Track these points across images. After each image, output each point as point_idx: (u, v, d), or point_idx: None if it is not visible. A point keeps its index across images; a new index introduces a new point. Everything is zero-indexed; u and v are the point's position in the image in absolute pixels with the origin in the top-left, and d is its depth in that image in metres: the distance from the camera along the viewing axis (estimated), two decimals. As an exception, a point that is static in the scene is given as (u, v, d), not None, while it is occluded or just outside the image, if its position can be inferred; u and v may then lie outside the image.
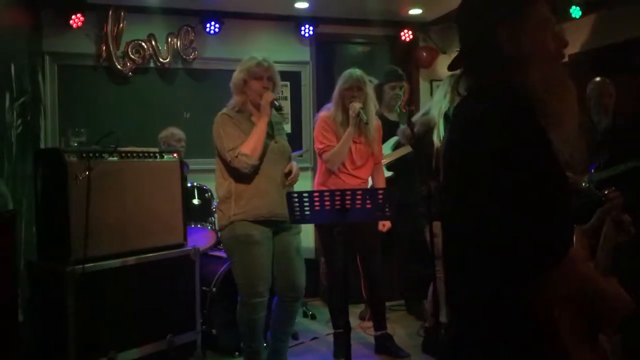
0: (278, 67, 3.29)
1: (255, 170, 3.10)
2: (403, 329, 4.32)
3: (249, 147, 3.04)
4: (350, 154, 3.71)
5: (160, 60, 5.18)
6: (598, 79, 4.04)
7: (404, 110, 4.53)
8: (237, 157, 3.03)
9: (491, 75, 1.34)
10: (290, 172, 3.23)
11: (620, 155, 3.57)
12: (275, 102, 3.15)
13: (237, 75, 3.21)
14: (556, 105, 1.29)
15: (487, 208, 1.23)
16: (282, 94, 5.55)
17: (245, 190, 3.12)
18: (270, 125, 3.24)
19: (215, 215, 4.29)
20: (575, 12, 5.02)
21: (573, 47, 5.59)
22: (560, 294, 1.25)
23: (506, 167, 1.20)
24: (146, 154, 3.30)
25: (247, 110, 3.20)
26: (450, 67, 1.48)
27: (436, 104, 3.48)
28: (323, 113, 3.82)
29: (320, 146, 3.71)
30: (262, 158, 3.11)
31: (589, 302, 1.29)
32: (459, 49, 1.44)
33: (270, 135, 3.21)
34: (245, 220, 3.10)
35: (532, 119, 1.26)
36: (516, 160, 1.20)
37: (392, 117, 4.59)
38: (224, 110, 3.23)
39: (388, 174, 4.37)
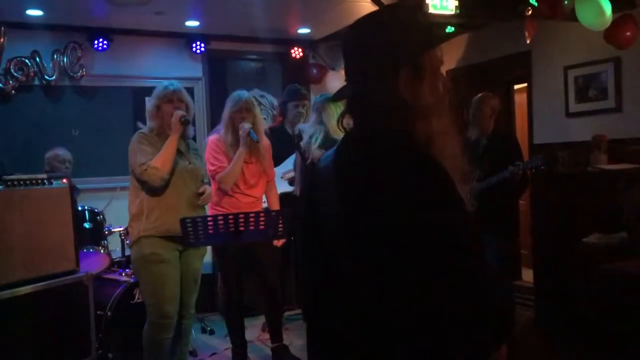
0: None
1: (166, 185, 3.20)
2: (300, 339, 4.47)
3: (159, 160, 3.15)
4: (242, 174, 3.79)
5: (46, 77, 5.03)
6: (480, 94, 4.27)
7: None
8: (146, 170, 3.12)
9: (386, 119, 1.25)
10: (203, 193, 3.35)
11: (496, 166, 3.95)
12: (185, 118, 3.27)
13: (149, 103, 3.35)
14: (442, 149, 1.26)
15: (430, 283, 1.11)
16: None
17: (156, 206, 3.21)
18: (186, 145, 3.40)
19: (108, 237, 4.27)
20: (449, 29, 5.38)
21: (450, 64, 6.02)
22: None
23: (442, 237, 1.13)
24: (34, 181, 3.24)
25: (164, 134, 3.29)
26: (336, 98, 1.39)
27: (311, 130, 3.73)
28: (213, 136, 3.89)
29: (212, 168, 3.78)
30: (173, 174, 3.21)
31: None
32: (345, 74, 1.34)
33: (183, 154, 3.34)
34: (154, 237, 3.18)
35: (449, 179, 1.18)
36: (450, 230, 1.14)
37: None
38: (141, 131, 3.33)
39: (290, 188, 4.51)
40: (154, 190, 3.21)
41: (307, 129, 4.22)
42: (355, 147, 1.29)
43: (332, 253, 1.24)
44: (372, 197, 1.18)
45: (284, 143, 4.26)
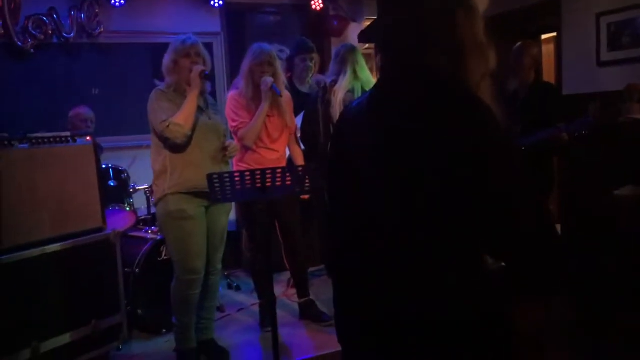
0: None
1: (189, 142, 3.16)
2: (325, 294, 4.47)
3: (181, 117, 3.11)
4: (265, 128, 3.75)
5: (64, 35, 4.96)
6: (520, 43, 4.04)
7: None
8: (168, 127, 3.08)
9: (441, 57, 1.23)
10: (227, 148, 3.33)
11: (537, 121, 3.73)
12: (205, 73, 3.21)
13: (166, 59, 3.26)
14: (486, 92, 1.25)
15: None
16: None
17: (180, 163, 3.18)
18: (205, 101, 3.34)
19: (133, 195, 4.27)
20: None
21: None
22: None
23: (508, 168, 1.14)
24: (57, 139, 3.20)
25: (182, 89, 3.24)
26: (363, 38, 1.36)
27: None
28: (233, 92, 3.81)
29: (234, 124, 3.72)
30: (194, 130, 3.18)
31: None
32: (371, 18, 1.35)
33: (203, 110, 3.29)
34: (179, 193, 3.17)
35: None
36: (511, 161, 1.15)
37: (304, 89, 4.64)
38: (160, 88, 3.27)
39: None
40: (176, 148, 3.17)
41: (329, 77, 4.18)
42: (401, 85, 1.26)
43: (370, 195, 1.25)
44: (422, 133, 1.17)
45: (292, 99, 4.16)
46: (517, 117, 3.78)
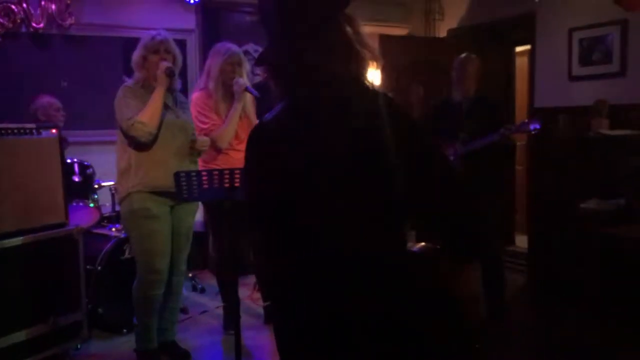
0: (162, 34, 3.28)
1: (154, 140, 3.10)
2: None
3: (146, 115, 3.05)
4: (235, 131, 3.71)
5: (33, 25, 4.84)
6: (463, 55, 4.13)
7: None
8: (133, 125, 3.02)
9: (340, 62, 1.33)
10: (195, 143, 3.28)
11: (480, 128, 3.83)
12: (171, 70, 3.15)
13: (136, 54, 3.21)
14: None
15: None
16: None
17: (145, 162, 3.11)
18: (173, 99, 3.27)
19: (98, 192, 4.18)
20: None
21: (451, 22, 5.89)
22: None
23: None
24: (22, 130, 3.12)
25: (150, 86, 3.17)
26: (259, 62, 1.40)
27: None
28: (198, 93, 3.73)
29: (205, 126, 3.62)
30: (160, 128, 3.11)
31: None
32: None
33: (170, 108, 3.22)
34: (143, 192, 3.10)
35: None
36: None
37: None
38: (127, 84, 3.20)
39: None
40: (141, 146, 3.10)
41: None
42: (320, 95, 1.33)
43: (312, 195, 1.30)
44: (357, 133, 1.27)
45: (272, 100, 4.11)
46: (461, 125, 3.88)
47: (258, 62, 1.40)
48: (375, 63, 1.36)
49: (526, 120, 4.00)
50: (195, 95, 3.75)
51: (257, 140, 1.39)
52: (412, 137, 1.31)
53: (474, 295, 1.39)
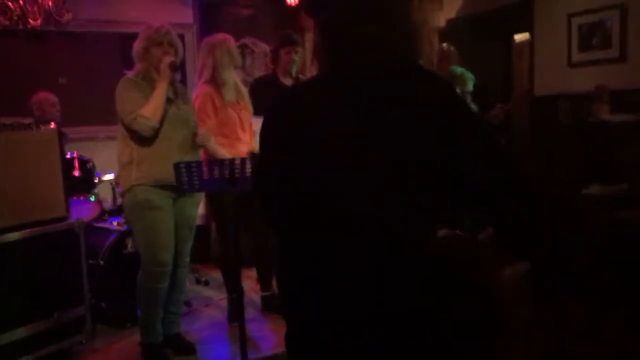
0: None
1: (156, 134, 3.09)
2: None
3: (149, 109, 3.03)
4: (239, 120, 3.72)
5: (30, 22, 4.83)
6: (443, 45, 4.17)
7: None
8: (136, 119, 3.01)
9: (397, 43, 1.27)
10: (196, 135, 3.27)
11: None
12: (175, 65, 3.15)
13: (137, 44, 3.18)
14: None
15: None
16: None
17: (147, 155, 3.10)
18: (174, 91, 3.25)
19: (99, 186, 4.18)
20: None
21: (450, 12, 5.87)
22: None
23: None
24: (21, 125, 3.11)
25: (151, 78, 3.16)
26: (315, 12, 1.33)
27: None
28: (204, 86, 3.73)
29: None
30: (162, 122, 3.10)
31: None
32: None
33: (172, 101, 3.20)
34: (146, 185, 3.09)
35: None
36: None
37: (288, 82, 4.58)
38: (129, 76, 3.18)
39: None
40: (143, 139, 3.09)
41: None
42: (363, 67, 1.25)
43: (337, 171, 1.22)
44: (396, 111, 1.18)
45: (276, 93, 4.10)
46: None
47: (306, 11, 1.35)
48: (432, 50, 1.32)
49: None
50: (201, 89, 3.74)
51: (277, 102, 1.39)
52: (464, 126, 1.19)
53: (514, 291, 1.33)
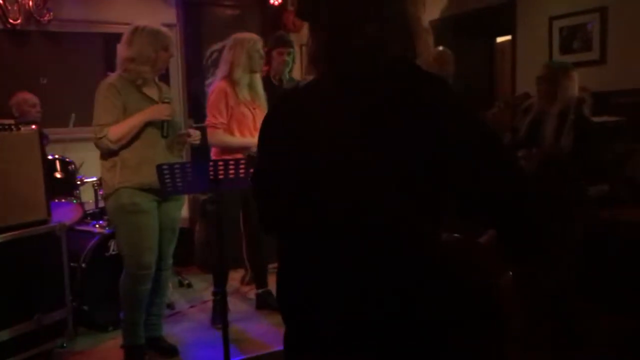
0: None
1: (138, 136, 3.05)
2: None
3: (117, 133, 3.00)
4: (253, 120, 3.74)
5: (10, 21, 4.77)
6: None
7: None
8: (101, 139, 3.00)
9: (393, 44, 1.26)
10: (184, 136, 3.24)
11: None
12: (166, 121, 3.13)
13: (144, 47, 3.06)
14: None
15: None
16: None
17: (131, 158, 3.07)
18: (158, 92, 3.23)
19: (80, 188, 4.13)
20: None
21: (433, 14, 5.89)
22: None
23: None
24: (1, 127, 3.07)
25: (140, 80, 3.11)
26: (306, 16, 1.36)
27: None
28: (220, 83, 3.72)
29: (215, 121, 3.69)
30: (146, 124, 3.07)
31: None
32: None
33: (155, 102, 3.16)
34: (131, 188, 3.06)
35: None
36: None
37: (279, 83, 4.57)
38: (111, 79, 3.11)
39: None
40: (127, 144, 3.06)
41: None
42: (362, 68, 1.26)
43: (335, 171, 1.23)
44: (396, 110, 1.18)
45: (268, 93, 4.10)
46: None
47: (299, 16, 1.37)
48: (427, 50, 1.30)
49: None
50: (218, 86, 3.73)
51: (277, 104, 1.41)
52: (465, 126, 1.19)
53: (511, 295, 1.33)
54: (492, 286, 1.29)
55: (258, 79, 3.82)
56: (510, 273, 1.30)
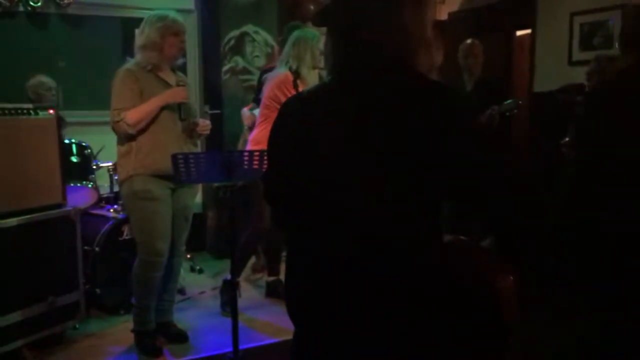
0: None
1: (153, 122, 3.08)
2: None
3: (135, 116, 3.02)
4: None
5: (31, 3, 4.80)
6: (468, 41, 4.26)
7: None
8: (118, 122, 3.01)
9: (394, 51, 1.28)
10: (196, 126, 3.25)
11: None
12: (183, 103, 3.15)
13: (152, 33, 3.09)
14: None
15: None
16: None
17: (145, 144, 3.09)
18: (175, 79, 3.25)
19: (97, 173, 4.17)
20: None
21: (452, 6, 5.84)
22: None
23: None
24: (19, 111, 3.10)
25: (159, 68, 3.14)
26: (319, 22, 1.41)
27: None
28: (283, 72, 3.71)
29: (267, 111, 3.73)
30: (162, 111, 3.09)
31: None
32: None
33: (171, 86, 3.18)
34: (144, 175, 3.08)
35: None
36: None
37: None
38: (129, 65, 3.13)
39: None
40: (143, 130, 3.08)
41: None
42: (366, 73, 1.29)
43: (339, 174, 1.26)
44: (395, 114, 1.20)
45: None
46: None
47: (316, 20, 1.40)
48: (430, 61, 1.31)
49: (508, 101, 4.07)
50: (282, 75, 3.71)
51: (284, 107, 1.45)
52: (460, 131, 1.20)
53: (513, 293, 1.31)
54: (493, 291, 1.28)
55: (316, 75, 3.81)
56: (512, 277, 1.30)
